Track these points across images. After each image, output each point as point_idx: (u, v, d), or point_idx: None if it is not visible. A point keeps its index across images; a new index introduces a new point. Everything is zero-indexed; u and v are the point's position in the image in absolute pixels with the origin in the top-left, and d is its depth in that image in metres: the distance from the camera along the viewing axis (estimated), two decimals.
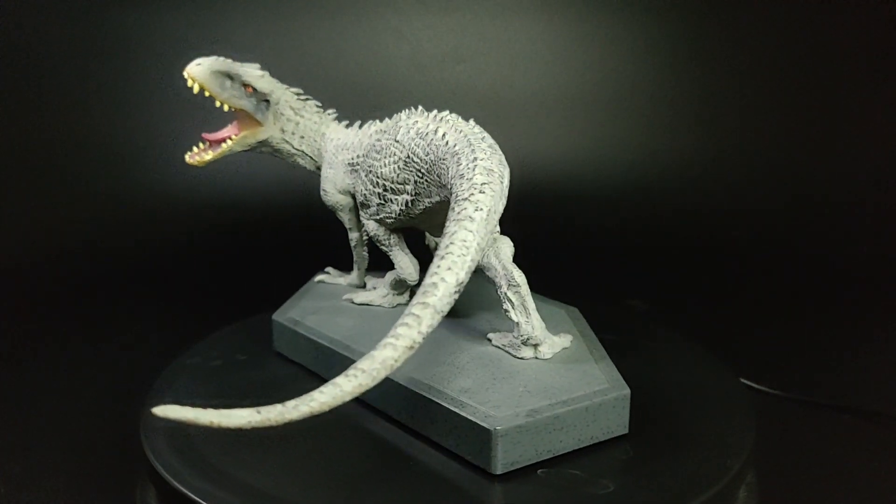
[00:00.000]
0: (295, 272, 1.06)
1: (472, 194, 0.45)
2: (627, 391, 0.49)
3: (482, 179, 0.45)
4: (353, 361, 0.53)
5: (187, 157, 0.62)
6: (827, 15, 1.28)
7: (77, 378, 0.76)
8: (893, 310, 0.95)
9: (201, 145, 0.63)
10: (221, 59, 0.60)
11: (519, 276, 0.52)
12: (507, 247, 0.53)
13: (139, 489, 0.55)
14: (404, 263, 0.60)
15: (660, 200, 1.24)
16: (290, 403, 0.38)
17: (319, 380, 0.60)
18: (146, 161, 1.20)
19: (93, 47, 1.22)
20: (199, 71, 0.58)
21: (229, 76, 0.60)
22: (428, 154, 0.52)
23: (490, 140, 0.50)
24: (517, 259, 0.54)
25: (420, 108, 0.56)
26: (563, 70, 1.31)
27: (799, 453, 0.63)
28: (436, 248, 0.61)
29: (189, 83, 0.59)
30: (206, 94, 0.59)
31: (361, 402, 0.54)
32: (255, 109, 0.62)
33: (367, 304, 0.64)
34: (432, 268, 0.42)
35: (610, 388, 0.49)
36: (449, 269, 0.42)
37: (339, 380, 0.39)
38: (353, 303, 0.65)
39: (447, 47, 1.29)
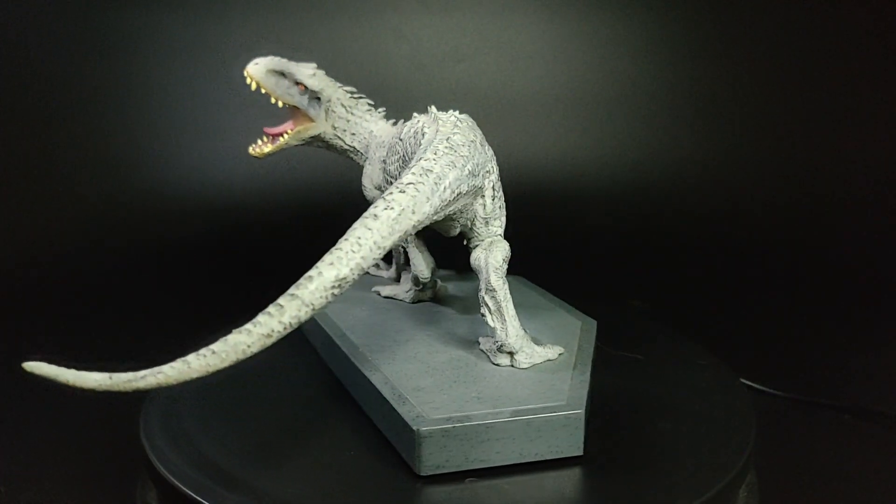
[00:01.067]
0: (295, 272, 1.06)
1: (391, 192, 0.45)
2: (580, 412, 0.46)
3: (409, 179, 0.45)
4: (344, 355, 0.55)
5: (250, 150, 0.65)
6: (828, 13, 1.28)
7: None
8: (894, 310, 0.95)
9: (263, 139, 0.66)
10: (277, 58, 0.63)
11: (496, 281, 0.51)
12: (499, 251, 0.53)
13: (139, 488, 0.55)
14: (417, 261, 0.62)
15: (660, 200, 1.24)
16: (141, 373, 0.41)
17: (324, 369, 0.60)
18: (146, 162, 1.20)
19: (92, 47, 1.22)
20: (255, 70, 0.62)
21: (283, 74, 0.63)
22: (413, 152, 0.53)
23: (462, 140, 0.50)
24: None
25: (455, 112, 0.56)
26: (563, 69, 1.31)
27: (799, 453, 0.64)
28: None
29: (248, 80, 0.63)
30: (263, 91, 0.63)
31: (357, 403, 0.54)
32: (307, 106, 0.64)
33: (392, 298, 0.66)
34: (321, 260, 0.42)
35: (564, 406, 0.47)
36: (331, 264, 0.41)
37: (190, 357, 0.40)
38: (379, 294, 0.67)
39: (447, 47, 1.29)
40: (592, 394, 0.52)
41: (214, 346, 0.40)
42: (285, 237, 1.14)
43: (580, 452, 0.47)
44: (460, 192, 0.48)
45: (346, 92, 0.65)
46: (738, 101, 1.31)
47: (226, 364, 0.40)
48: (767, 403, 0.70)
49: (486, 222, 0.53)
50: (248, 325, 0.40)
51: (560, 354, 0.53)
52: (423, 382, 0.50)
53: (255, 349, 0.40)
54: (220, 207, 1.15)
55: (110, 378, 0.41)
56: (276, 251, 1.11)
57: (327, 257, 0.42)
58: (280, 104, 0.64)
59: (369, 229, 0.43)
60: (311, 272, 0.41)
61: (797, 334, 0.88)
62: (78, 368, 0.78)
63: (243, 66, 0.64)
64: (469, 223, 0.53)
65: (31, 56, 1.19)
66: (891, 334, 0.89)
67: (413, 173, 0.46)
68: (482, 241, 0.54)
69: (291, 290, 0.40)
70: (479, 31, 1.30)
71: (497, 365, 0.52)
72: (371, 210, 0.44)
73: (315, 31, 1.27)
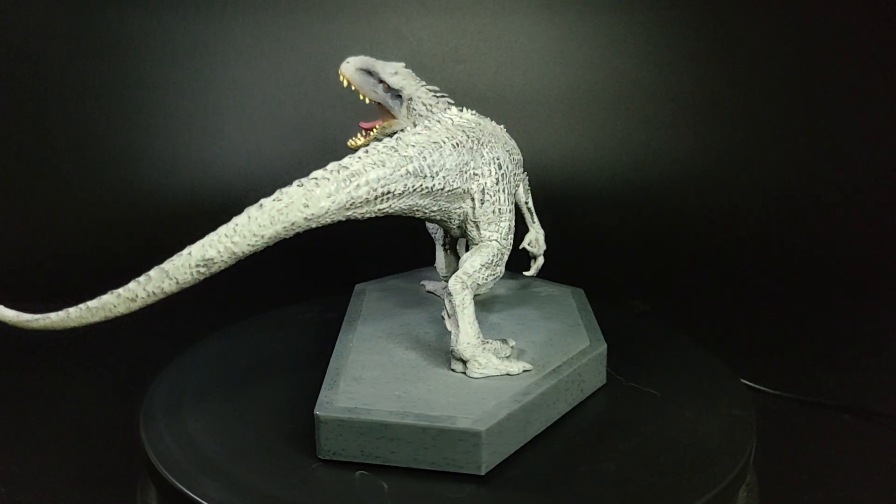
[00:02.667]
0: (294, 271, 1.06)
1: (291, 184, 0.46)
2: (479, 431, 0.45)
3: (317, 173, 0.47)
4: (339, 339, 0.57)
5: (349, 142, 0.67)
6: (827, 13, 1.28)
7: (77, 378, 0.76)
8: (893, 310, 0.96)
9: (360, 133, 0.68)
10: (366, 57, 0.66)
11: (454, 285, 0.51)
12: (478, 258, 0.52)
13: (140, 488, 0.55)
14: (438, 257, 0.66)
15: (661, 200, 1.24)
16: (35, 316, 0.46)
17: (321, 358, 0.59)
18: (145, 161, 1.20)
19: (91, 47, 1.22)
20: (346, 68, 0.65)
21: (370, 73, 0.65)
22: None
23: (420, 139, 0.50)
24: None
25: (465, 113, 0.56)
26: (563, 70, 1.31)
27: (799, 453, 0.64)
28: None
29: (341, 78, 0.65)
30: (353, 88, 0.66)
31: None
32: (391, 104, 0.65)
33: (432, 293, 0.67)
34: None
35: (467, 420, 0.46)
36: (202, 244, 0.44)
37: (71, 309, 0.45)
38: (424, 289, 0.68)
39: (447, 47, 1.29)
40: (564, 415, 0.52)
41: (90, 303, 0.45)
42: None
43: (479, 472, 0.45)
44: (393, 192, 0.48)
45: (428, 90, 0.65)
46: (739, 100, 1.31)
47: (95, 319, 0.45)
48: (767, 403, 0.70)
49: (477, 226, 0.53)
50: (119, 290, 0.45)
51: (525, 371, 0.51)
52: (367, 374, 0.51)
53: (120, 310, 0.45)
54: (219, 207, 1.15)
55: (17, 316, 0.47)
56: (273, 251, 1.11)
57: (204, 239, 0.44)
58: (367, 101, 0.66)
59: (249, 217, 0.45)
60: (185, 249, 0.44)
61: (797, 334, 0.88)
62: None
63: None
64: (463, 225, 0.54)
65: (30, 56, 1.19)
66: (891, 334, 0.89)
67: (326, 168, 0.47)
68: (474, 244, 0.54)
69: (165, 263, 0.44)
70: (478, 32, 1.30)
71: (452, 370, 0.52)
72: (264, 199, 0.46)
73: (314, 32, 1.28)
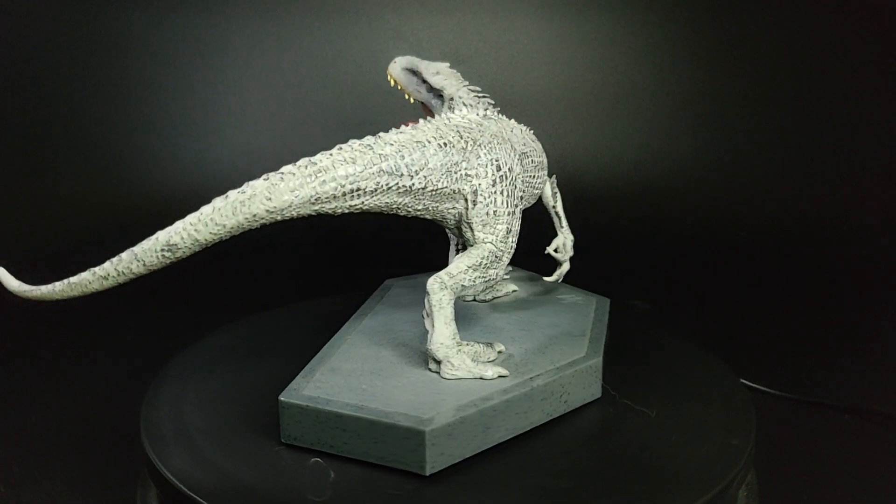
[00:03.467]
0: (294, 270, 1.06)
1: (261, 177, 0.47)
2: (423, 431, 0.45)
3: (286, 168, 0.48)
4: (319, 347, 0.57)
5: None
6: (829, 12, 1.28)
7: (77, 378, 0.76)
8: (894, 310, 0.96)
9: None
10: (411, 57, 0.66)
11: (432, 285, 0.51)
12: (465, 259, 0.52)
13: (139, 488, 0.55)
14: (451, 256, 0.66)
15: (661, 201, 1.24)
16: (30, 288, 0.50)
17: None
18: (145, 160, 1.20)
19: (91, 47, 1.22)
20: (393, 67, 0.66)
21: (414, 72, 0.66)
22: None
23: (402, 139, 0.51)
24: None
25: (469, 113, 0.57)
26: (563, 70, 1.31)
27: (799, 453, 0.64)
28: None
29: (388, 78, 0.66)
30: (399, 87, 0.66)
31: None
32: (433, 103, 0.66)
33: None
34: None
35: (414, 419, 0.46)
36: (168, 230, 0.46)
37: (57, 283, 0.49)
38: None
39: (447, 48, 1.29)
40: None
41: (71, 279, 0.48)
42: (283, 235, 1.14)
43: (423, 472, 0.46)
44: (364, 189, 0.49)
45: (470, 90, 0.64)
46: (739, 101, 1.31)
47: (74, 293, 0.48)
48: (768, 403, 0.70)
49: (470, 227, 0.53)
50: (95, 268, 0.47)
51: (500, 377, 0.51)
52: (346, 366, 0.53)
53: (94, 287, 0.48)
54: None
55: (20, 286, 0.51)
56: (273, 250, 1.11)
57: (173, 224, 0.47)
58: (412, 100, 0.67)
59: (213, 207, 0.47)
60: (155, 234, 0.47)
61: (797, 334, 0.88)
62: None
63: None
64: (456, 225, 0.54)
65: (29, 55, 1.19)
66: (891, 334, 0.89)
67: (296, 163, 0.48)
68: (469, 245, 0.54)
69: (136, 246, 0.47)
70: (478, 32, 1.30)
71: (429, 370, 0.52)
72: (231, 190, 0.47)
73: (314, 32, 1.28)
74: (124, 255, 0.46)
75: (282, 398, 0.49)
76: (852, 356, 0.82)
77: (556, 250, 0.67)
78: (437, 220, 0.55)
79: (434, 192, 0.52)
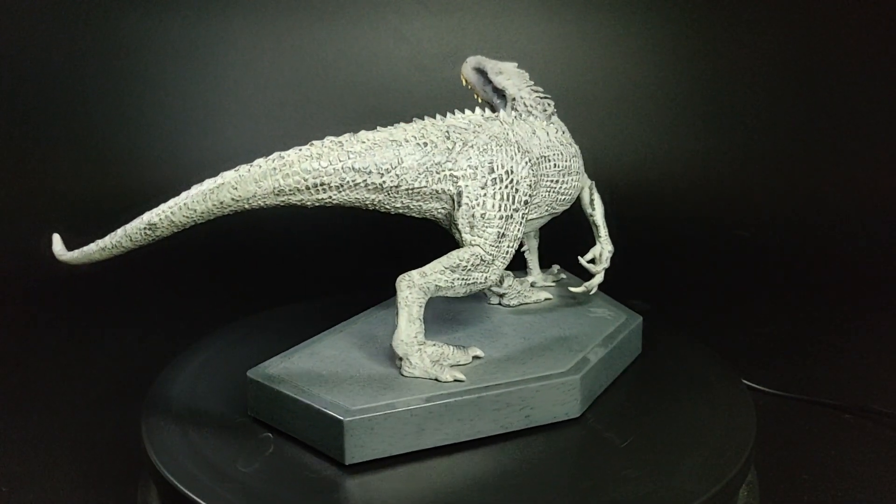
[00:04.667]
0: (298, 270, 1.06)
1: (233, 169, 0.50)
2: (341, 422, 0.46)
3: (258, 160, 0.50)
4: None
5: None
6: (830, 12, 1.28)
7: (78, 378, 0.76)
8: (894, 310, 0.96)
9: None
10: (480, 56, 0.67)
11: (399, 282, 0.51)
12: (444, 260, 0.52)
13: (140, 488, 0.55)
14: None
15: (663, 200, 1.24)
16: (62, 251, 0.53)
17: None
18: (149, 161, 1.20)
19: (93, 48, 1.22)
20: (464, 67, 0.67)
21: (483, 72, 0.66)
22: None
23: (377, 137, 0.51)
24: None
25: (469, 112, 0.56)
26: (564, 70, 1.31)
27: (800, 453, 0.64)
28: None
29: (461, 77, 0.67)
30: (469, 87, 0.67)
31: None
32: (496, 103, 0.66)
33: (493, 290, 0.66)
34: None
35: (339, 409, 0.47)
36: (152, 211, 0.50)
37: (75, 251, 0.52)
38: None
39: (448, 48, 1.29)
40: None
41: (84, 248, 0.52)
42: (286, 236, 1.14)
43: (343, 460, 0.47)
44: (328, 184, 0.50)
45: (532, 91, 0.65)
46: (739, 100, 1.31)
47: (82, 261, 0.52)
48: (768, 403, 0.70)
49: (457, 227, 0.53)
50: (99, 241, 0.51)
51: (456, 380, 0.51)
52: (327, 352, 0.55)
53: (95, 258, 0.52)
54: None
55: (60, 251, 0.53)
56: (277, 249, 1.11)
57: (158, 206, 0.50)
58: (479, 100, 0.67)
59: (188, 193, 0.49)
60: (142, 215, 0.50)
61: (798, 334, 0.88)
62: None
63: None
64: (448, 226, 0.54)
65: (33, 56, 1.20)
66: (891, 334, 0.89)
67: (268, 157, 0.50)
68: (462, 245, 0.53)
69: (128, 224, 0.51)
70: (479, 32, 1.30)
71: (396, 366, 0.53)
72: (209, 178, 0.50)
73: (315, 33, 1.28)
74: (118, 231, 0.51)
75: (248, 374, 0.52)
76: (853, 356, 0.82)
77: (592, 261, 0.65)
78: (428, 219, 0.54)
79: (411, 192, 0.52)
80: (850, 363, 0.81)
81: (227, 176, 0.49)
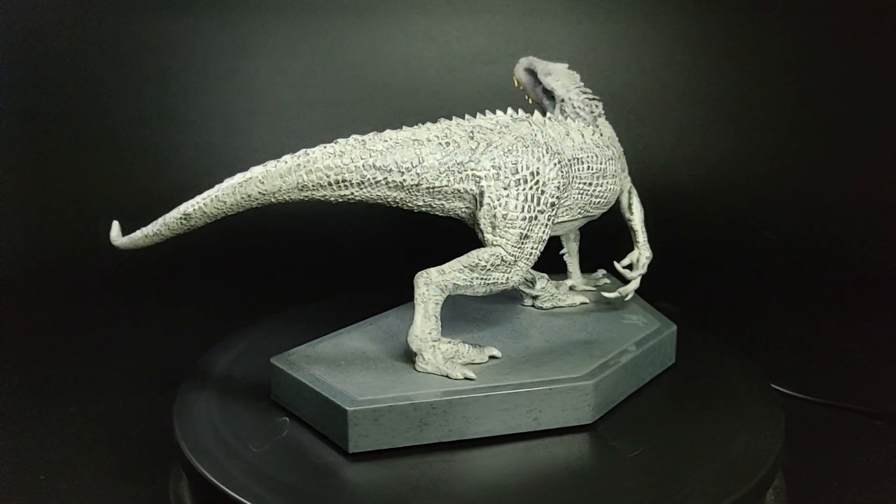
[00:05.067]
0: (323, 265, 1.07)
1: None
2: (345, 411, 0.48)
3: (286, 157, 0.52)
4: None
5: None
6: (859, 16, 1.26)
7: (114, 370, 0.77)
8: None
9: None
10: (532, 57, 0.67)
11: (416, 279, 0.52)
12: (463, 257, 0.52)
13: (172, 479, 0.56)
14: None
15: (690, 202, 1.23)
16: (116, 236, 0.57)
17: None
18: (178, 161, 1.22)
19: (127, 50, 1.24)
20: (517, 68, 0.67)
21: (533, 73, 0.67)
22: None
23: (399, 136, 0.52)
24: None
25: (501, 113, 0.57)
26: (591, 71, 1.29)
27: (829, 458, 0.63)
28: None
29: (513, 79, 0.68)
30: (521, 88, 0.68)
31: None
32: (546, 104, 0.66)
33: (519, 289, 0.66)
34: None
35: (345, 398, 0.49)
36: (189, 202, 0.53)
37: (125, 237, 0.56)
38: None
39: (476, 49, 1.30)
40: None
41: (131, 234, 0.56)
42: (323, 235, 1.15)
43: (347, 448, 0.49)
44: (349, 181, 0.52)
45: (581, 92, 0.65)
46: (769, 102, 1.29)
47: (130, 247, 0.56)
48: (798, 408, 0.70)
49: (480, 227, 0.53)
50: (142, 229, 0.55)
51: (466, 378, 0.51)
52: (353, 344, 0.57)
53: (140, 244, 0.56)
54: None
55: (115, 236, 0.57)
56: (306, 244, 1.12)
57: (193, 199, 0.53)
58: (530, 101, 0.67)
59: (219, 186, 0.52)
60: (179, 206, 0.54)
61: (829, 338, 0.87)
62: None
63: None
64: (472, 224, 0.54)
65: (68, 58, 1.22)
66: None
67: (295, 153, 0.52)
68: (484, 244, 0.53)
69: (166, 214, 0.54)
70: (507, 34, 1.30)
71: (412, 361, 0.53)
72: (240, 172, 0.52)
73: (345, 34, 1.29)
74: (158, 220, 0.54)
75: (272, 360, 0.54)
76: (884, 361, 0.81)
77: (630, 266, 0.64)
78: (453, 218, 0.55)
79: (431, 190, 0.52)
80: (883, 368, 0.79)
81: (255, 171, 0.51)
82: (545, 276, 0.66)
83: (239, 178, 0.51)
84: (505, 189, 0.52)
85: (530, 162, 0.53)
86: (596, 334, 0.59)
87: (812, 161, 1.26)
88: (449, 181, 0.52)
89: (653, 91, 1.30)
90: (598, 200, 0.59)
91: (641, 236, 0.64)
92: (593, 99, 0.64)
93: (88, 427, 0.67)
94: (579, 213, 0.59)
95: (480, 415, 0.50)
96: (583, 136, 0.58)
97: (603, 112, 0.65)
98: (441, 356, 0.52)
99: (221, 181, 0.56)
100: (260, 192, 0.52)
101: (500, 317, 0.62)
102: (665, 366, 0.61)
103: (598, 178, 0.58)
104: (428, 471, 0.48)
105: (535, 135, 0.55)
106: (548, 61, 0.67)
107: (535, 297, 0.65)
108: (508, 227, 0.52)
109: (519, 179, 0.52)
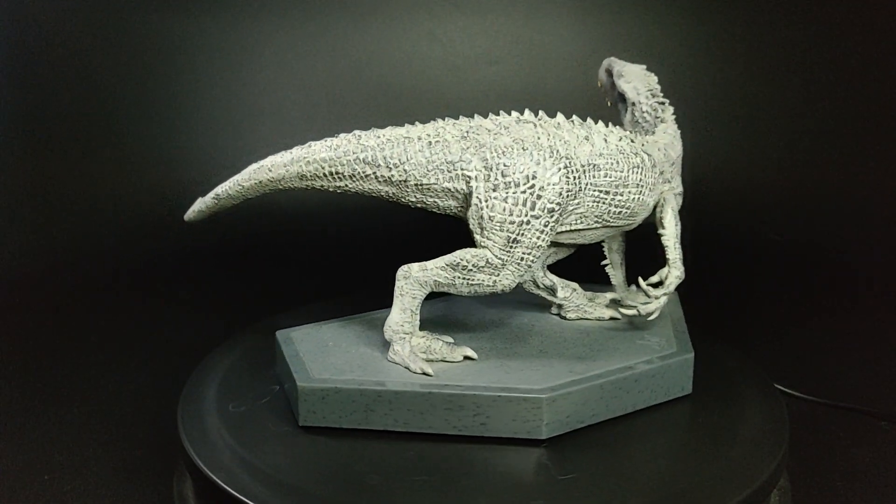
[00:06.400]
0: (326, 265, 1.07)
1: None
2: (297, 386, 0.51)
3: (295, 148, 0.56)
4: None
5: None
6: (864, 13, 1.26)
7: (118, 371, 0.78)
8: None
9: None
10: (612, 58, 0.67)
11: (399, 272, 0.53)
12: (448, 255, 0.52)
13: (176, 479, 0.56)
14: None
15: (695, 203, 1.22)
16: (189, 212, 0.62)
17: None
18: (181, 162, 1.23)
19: (130, 50, 1.25)
20: (600, 69, 0.68)
21: (611, 74, 0.66)
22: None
23: (394, 134, 0.54)
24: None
25: (508, 115, 0.57)
26: (596, 72, 1.30)
27: (834, 460, 0.63)
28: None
29: (597, 80, 0.67)
30: (603, 90, 0.68)
31: None
32: (620, 107, 0.66)
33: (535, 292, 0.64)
34: None
35: (301, 374, 0.52)
36: (220, 185, 0.58)
37: (188, 212, 0.62)
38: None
39: (480, 49, 1.30)
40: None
41: (193, 206, 0.61)
42: (309, 236, 1.15)
43: (298, 421, 0.52)
44: (342, 174, 0.54)
45: (652, 96, 0.64)
46: (774, 104, 1.29)
47: (193, 218, 0.62)
48: (802, 409, 0.69)
49: (470, 228, 0.53)
50: (196, 202, 0.61)
51: (424, 373, 0.52)
52: (354, 328, 0.60)
53: (191, 218, 0.62)
54: (253, 205, 1.17)
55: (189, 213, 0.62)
56: (300, 250, 1.13)
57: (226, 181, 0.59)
58: (609, 104, 0.67)
59: (243, 171, 0.57)
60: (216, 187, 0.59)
61: (834, 339, 0.87)
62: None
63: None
64: (466, 221, 0.54)
65: (72, 58, 1.23)
66: None
67: (302, 145, 0.56)
68: (476, 245, 0.53)
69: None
70: (511, 34, 1.30)
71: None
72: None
73: (349, 34, 1.29)
74: (198, 199, 0.60)
75: (277, 333, 0.58)
76: (890, 361, 0.81)
77: (656, 283, 0.59)
78: (449, 216, 0.55)
79: (420, 187, 0.53)
80: (888, 369, 0.79)
81: (268, 159, 0.56)
82: (574, 285, 0.62)
83: (255, 165, 0.56)
84: (494, 191, 0.51)
85: (525, 165, 0.52)
86: (596, 350, 0.56)
87: (815, 162, 1.26)
88: (437, 179, 0.53)
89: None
90: (619, 211, 0.56)
91: (672, 253, 0.60)
92: (661, 103, 0.63)
93: (93, 427, 0.67)
94: (596, 222, 0.56)
95: (425, 410, 0.50)
96: (606, 141, 0.56)
97: (670, 118, 0.63)
98: (409, 349, 0.53)
99: (224, 180, 0.58)
100: (269, 180, 0.56)
101: (512, 320, 0.62)
102: (672, 395, 0.56)
103: (617, 187, 0.55)
104: (366, 453, 0.50)
105: (538, 137, 0.53)
106: (626, 62, 0.65)
107: (559, 307, 0.62)
108: (496, 230, 0.51)
109: (510, 182, 0.51)
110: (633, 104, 0.64)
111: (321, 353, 0.55)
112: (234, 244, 1.12)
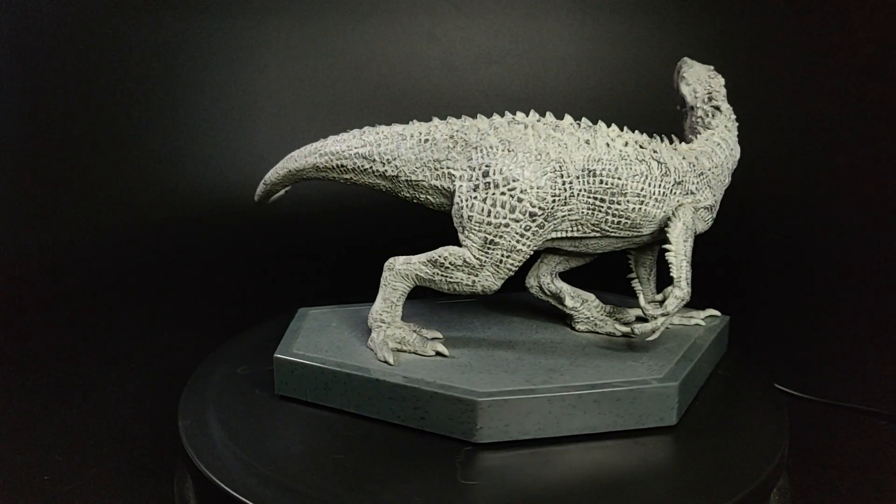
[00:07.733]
0: (328, 265, 1.07)
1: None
2: (273, 358, 0.55)
3: (318, 141, 0.59)
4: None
5: None
6: (866, 13, 1.26)
7: (118, 372, 0.78)
8: None
9: None
10: (685, 59, 0.66)
11: (386, 263, 0.55)
12: (430, 252, 0.53)
13: (176, 480, 0.56)
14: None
15: None
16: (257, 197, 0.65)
17: None
18: (184, 163, 1.23)
19: (132, 51, 1.25)
20: (675, 71, 0.66)
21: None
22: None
23: (396, 132, 0.56)
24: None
25: (509, 115, 0.56)
26: (596, 71, 1.30)
27: (832, 459, 0.63)
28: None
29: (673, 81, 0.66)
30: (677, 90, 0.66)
31: None
32: (679, 110, 0.65)
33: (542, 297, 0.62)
34: None
35: (281, 349, 0.56)
36: (269, 172, 0.62)
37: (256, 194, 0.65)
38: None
39: (480, 49, 1.30)
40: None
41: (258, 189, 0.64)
42: (311, 237, 1.15)
43: (276, 391, 0.56)
44: (346, 167, 0.57)
45: (706, 101, 0.62)
46: (775, 104, 1.29)
47: (259, 196, 0.64)
48: (802, 408, 0.69)
49: (456, 225, 0.53)
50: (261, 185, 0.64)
51: (385, 362, 0.53)
52: (362, 316, 0.62)
53: (257, 200, 0.65)
54: (256, 206, 1.17)
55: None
56: (306, 248, 1.13)
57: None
58: (677, 108, 0.66)
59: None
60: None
61: (833, 338, 0.87)
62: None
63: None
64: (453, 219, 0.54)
65: (73, 59, 1.23)
66: None
67: (323, 139, 0.59)
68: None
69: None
70: (511, 34, 1.31)
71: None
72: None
73: (349, 34, 1.29)
74: (260, 184, 0.63)
75: (299, 310, 0.64)
76: (889, 361, 0.81)
77: (659, 302, 0.56)
78: (446, 213, 0.55)
79: (411, 183, 0.55)
80: (888, 369, 0.79)
81: (297, 150, 0.60)
82: (589, 296, 0.60)
83: (290, 154, 0.60)
84: (474, 190, 0.51)
85: (509, 166, 0.50)
86: (577, 365, 0.53)
87: (815, 161, 1.26)
88: (426, 176, 0.55)
89: (657, 91, 1.30)
90: (618, 220, 0.53)
91: (675, 272, 0.55)
92: (716, 108, 0.61)
93: (92, 428, 0.67)
94: (592, 230, 0.54)
95: (372, 397, 0.52)
96: (608, 146, 0.53)
97: (720, 125, 0.61)
98: (383, 337, 0.55)
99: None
100: (296, 169, 0.60)
101: (519, 325, 0.62)
102: (648, 424, 0.51)
103: (614, 195, 0.52)
104: (330, 426, 0.52)
105: (527, 139, 0.52)
106: (694, 62, 0.64)
107: (571, 318, 0.60)
108: (474, 230, 0.51)
109: (489, 183, 0.51)
110: (691, 108, 0.62)
111: (318, 332, 0.59)
112: (233, 246, 1.12)
